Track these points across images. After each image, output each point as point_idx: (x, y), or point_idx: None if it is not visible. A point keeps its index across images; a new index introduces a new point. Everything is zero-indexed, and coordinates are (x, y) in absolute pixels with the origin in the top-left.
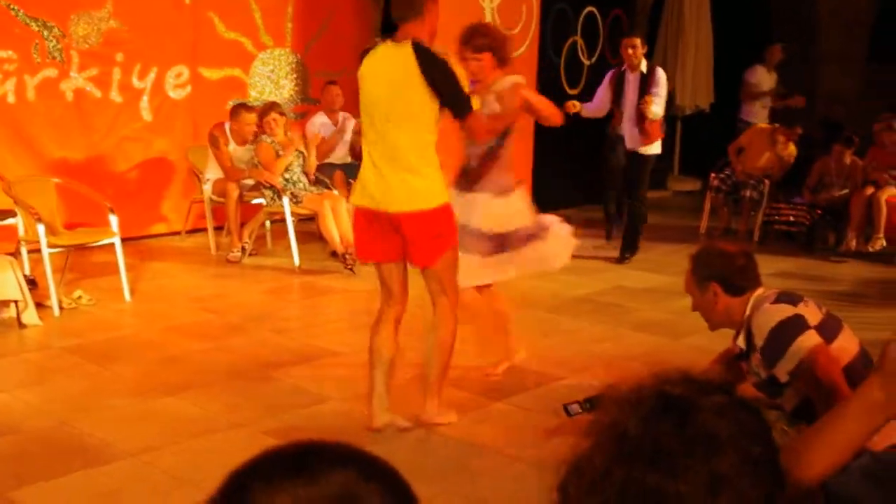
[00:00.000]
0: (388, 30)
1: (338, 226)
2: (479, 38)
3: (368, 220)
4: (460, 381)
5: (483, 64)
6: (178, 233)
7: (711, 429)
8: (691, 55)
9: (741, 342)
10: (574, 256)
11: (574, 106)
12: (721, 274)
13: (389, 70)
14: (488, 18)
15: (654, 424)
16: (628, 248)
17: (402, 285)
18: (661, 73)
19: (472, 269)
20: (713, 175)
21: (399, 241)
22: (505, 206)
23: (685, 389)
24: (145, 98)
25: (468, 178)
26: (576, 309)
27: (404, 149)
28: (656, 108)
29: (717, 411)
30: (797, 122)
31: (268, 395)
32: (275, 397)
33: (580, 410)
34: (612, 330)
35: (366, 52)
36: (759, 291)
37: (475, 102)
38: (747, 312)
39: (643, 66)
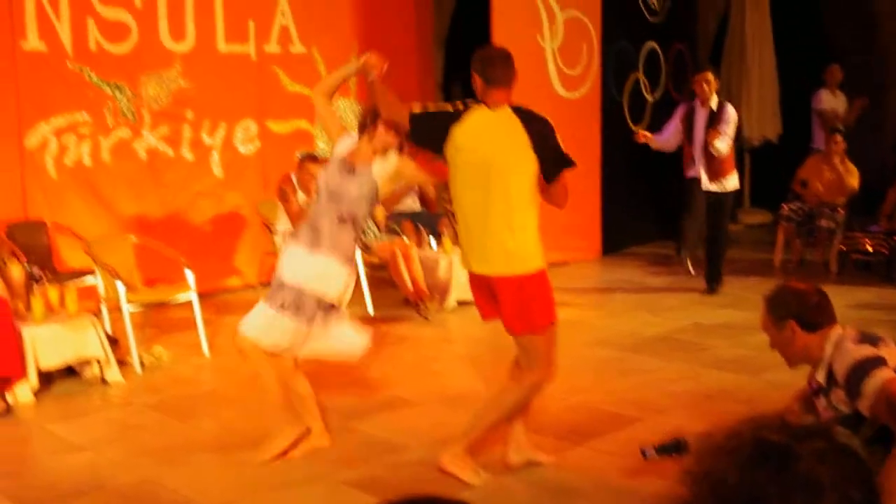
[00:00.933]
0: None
1: (409, 272)
2: None
3: (475, 284)
4: (540, 427)
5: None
6: (252, 286)
7: (812, 475)
8: (756, 86)
9: (821, 378)
10: (648, 292)
11: (644, 136)
12: (798, 312)
13: (494, 134)
14: (549, 59)
15: (753, 472)
16: (714, 279)
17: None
18: (730, 110)
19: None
20: (784, 206)
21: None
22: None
23: (783, 436)
24: (215, 154)
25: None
26: (652, 348)
27: (506, 211)
28: (720, 143)
29: (817, 457)
30: (867, 149)
31: (346, 445)
32: (353, 448)
33: (656, 455)
34: (689, 368)
35: (454, 115)
36: (838, 329)
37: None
38: (827, 349)
39: (713, 102)
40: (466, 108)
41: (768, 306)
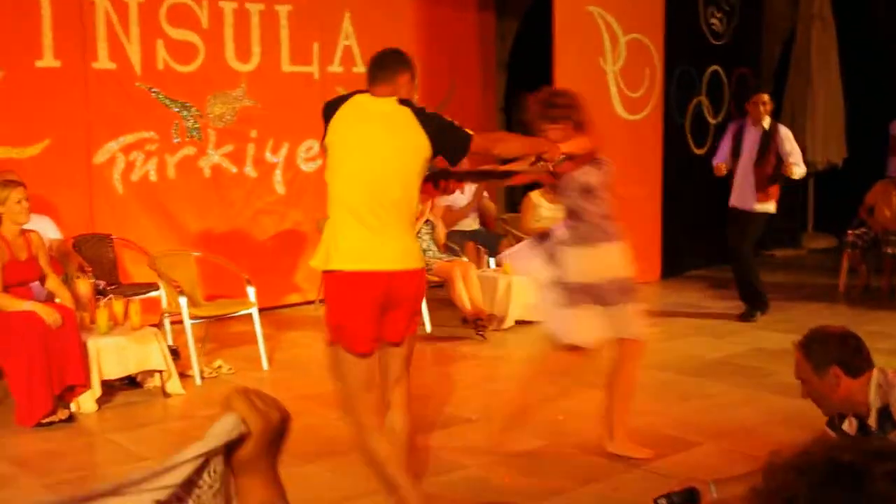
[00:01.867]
0: (514, 105)
1: (468, 292)
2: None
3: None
4: (599, 448)
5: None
6: (311, 302)
7: (886, 495)
8: (821, 110)
9: (872, 422)
10: (709, 317)
11: (720, 169)
12: (840, 357)
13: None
14: (611, 82)
15: (825, 491)
16: (751, 306)
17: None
18: (785, 130)
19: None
20: (850, 231)
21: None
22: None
23: (856, 455)
24: (278, 172)
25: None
26: (714, 372)
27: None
28: (798, 168)
29: (892, 478)
30: None
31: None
32: (411, 462)
33: None
34: (752, 393)
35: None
36: (877, 371)
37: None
38: (871, 393)
39: (766, 123)
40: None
41: (805, 353)
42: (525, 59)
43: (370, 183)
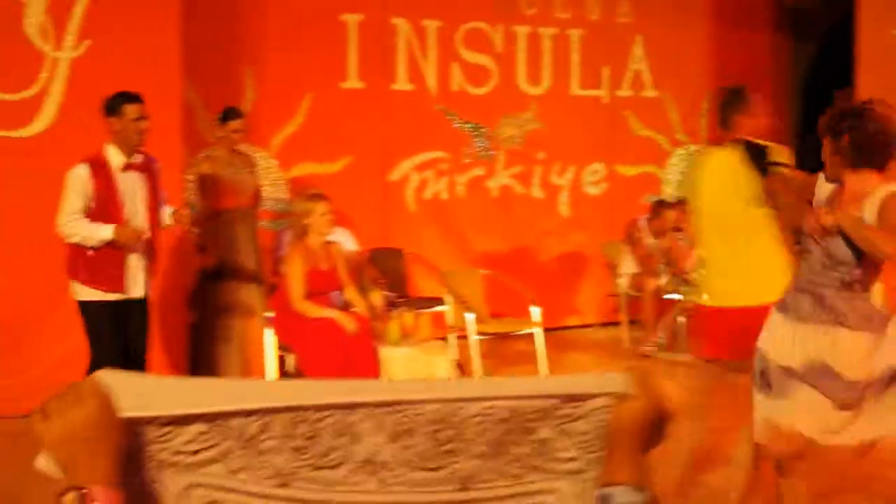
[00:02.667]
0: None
1: None
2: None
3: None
4: None
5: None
6: (590, 325)
7: None
8: None
9: None
10: None
11: None
12: None
13: None
14: None
15: None
16: None
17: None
18: None
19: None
20: None
21: None
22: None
23: None
24: (564, 194)
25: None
26: None
27: None
28: None
29: None
30: None
31: (695, 499)
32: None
33: None
34: None
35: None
36: None
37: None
38: None
39: None
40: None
41: None
42: (822, 85)
43: None
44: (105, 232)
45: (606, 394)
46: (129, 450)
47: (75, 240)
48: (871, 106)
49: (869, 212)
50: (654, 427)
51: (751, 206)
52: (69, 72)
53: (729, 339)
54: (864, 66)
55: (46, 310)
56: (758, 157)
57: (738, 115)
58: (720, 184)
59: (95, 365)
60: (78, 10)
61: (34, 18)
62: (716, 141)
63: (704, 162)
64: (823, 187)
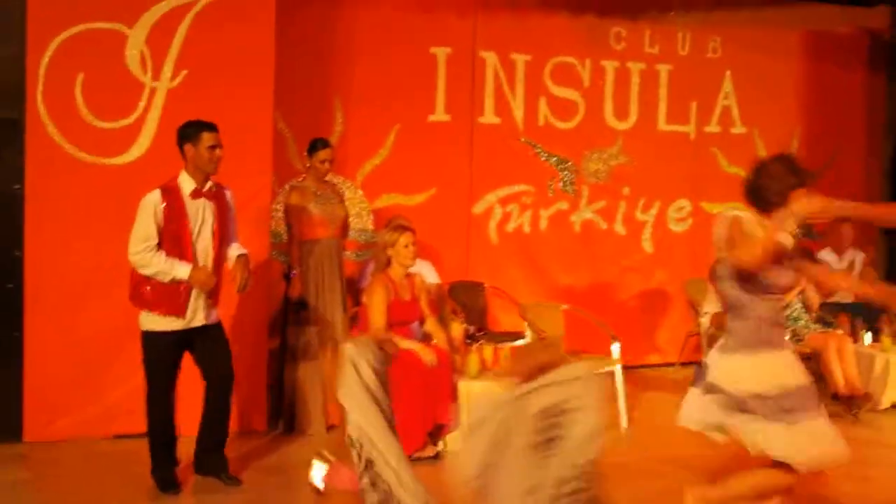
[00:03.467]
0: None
1: (842, 367)
2: None
3: None
4: None
5: None
6: (671, 364)
7: None
8: None
9: None
10: None
11: None
12: None
13: None
14: None
15: None
16: None
17: None
18: None
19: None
20: None
21: None
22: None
23: None
24: (648, 230)
25: None
26: None
27: None
28: None
29: None
30: None
31: None
32: None
33: None
34: None
35: None
36: None
37: None
38: None
39: None
40: None
41: None
42: None
43: None
44: (181, 272)
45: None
46: None
47: (148, 272)
48: None
49: None
50: None
51: None
52: (165, 101)
53: None
54: None
55: (129, 335)
56: None
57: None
58: None
59: (151, 393)
60: (176, 42)
61: (135, 49)
62: None
63: None
64: None
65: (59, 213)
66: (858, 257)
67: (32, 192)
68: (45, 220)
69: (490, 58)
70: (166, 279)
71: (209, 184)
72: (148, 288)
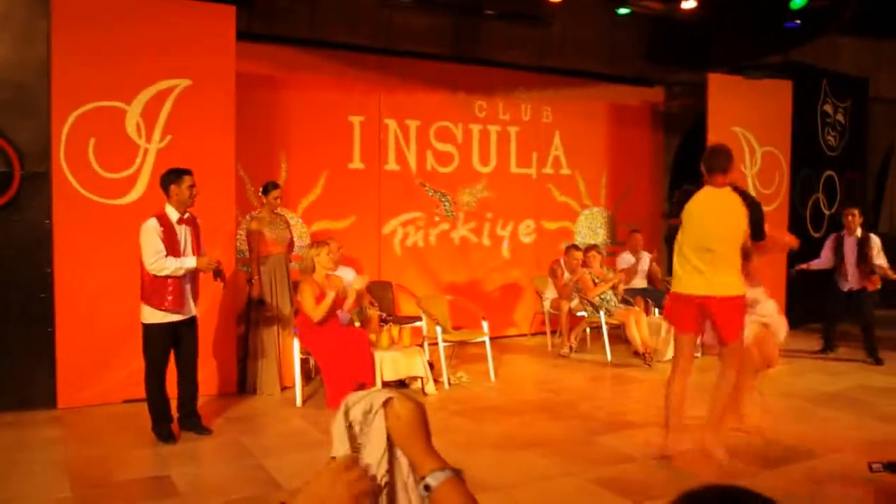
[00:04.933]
0: (676, 198)
1: (639, 332)
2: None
3: (686, 304)
4: (736, 452)
5: None
6: (524, 335)
7: None
8: None
9: None
10: (825, 359)
11: (799, 269)
12: None
13: (720, 206)
14: (750, 182)
15: None
16: (873, 355)
17: (693, 352)
18: (873, 238)
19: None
20: None
21: (703, 321)
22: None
23: None
24: (505, 242)
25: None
26: (828, 401)
27: (728, 258)
28: (890, 271)
29: None
30: None
31: (590, 453)
32: (596, 455)
33: (882, 470)
34: (858, 420)
35: (685, 193)
36: None
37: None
38: None
39: (858, 232)
40: (693, 188)
41: None
42: (684, 166)
43: (709, 244)
44: (189, 262)
45: (381, 402)
46: None
47: (166, 272)
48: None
49: None
50: (425, 420)
51: (738, 234)
52: (156, 157)
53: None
54: None
55: (132, 328)
56: (750, 203)
57: (730, 166)
58: (722, 214)
59: (150, 371)
60: (163, 114)
61: (132, 120)
62: (713, 184)
63: (707, 197)
64: None
65: (78, 240)
66: (647, 256)
67: (58, 225)
68: (69, 246)
69: (391, 123)
70: (181, 273)
71: (187, 214)
72: (155, 289)
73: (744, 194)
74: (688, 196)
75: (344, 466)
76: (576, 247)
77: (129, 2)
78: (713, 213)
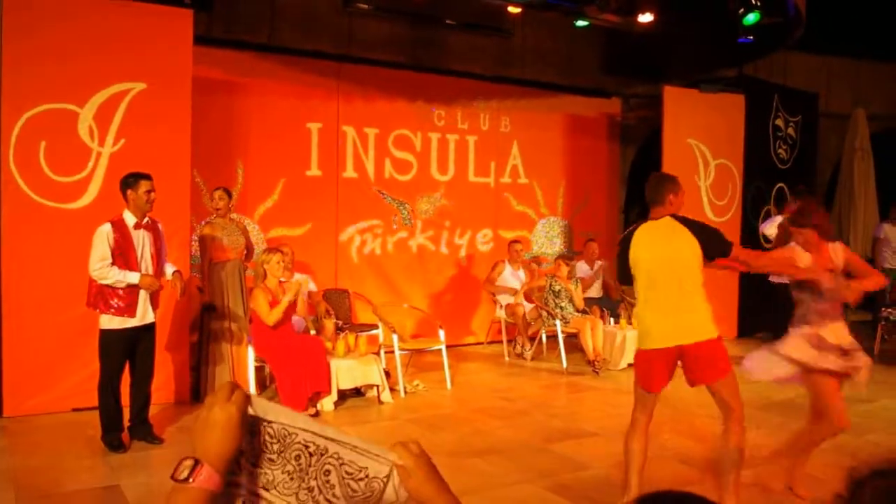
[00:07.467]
0: (631, 210)
1: (593, 341)
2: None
3: (658, 360)
4: (688, 458)
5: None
6: (481, 343)
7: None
8: (861, 218)
9: None
10: None
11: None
12: None
13: (661, 239)
14: (703, 194)
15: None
16: None
17: (654, 409)
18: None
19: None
20: (883, 309)
21: (674, 370)
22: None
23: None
24: (463, 250)
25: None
26: (778, 408)
27: (689, 294)
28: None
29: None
30: None
31: (544, 461)
32: (549, 463)
33: None
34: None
35: (623, 241)
36: None
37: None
38: None
39: None
40: (633, 228)
41: None
42: (640, 177)
43: (662, 282)
44: (133, 278)
45: (387, 465)
46: (243, 448)
47: (107, 281)
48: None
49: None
50: (434, 467)
51: (691, 263)
52: (109, 162)
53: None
54: (667, 163)
55: (83, 334)
56: (698, 229)
57: (671, 196)
58: (664, 247)
59: (104, 378)
60: (117, 118)
61: (85, 123)
62: (653, 216)
63: (646, 233)
64: None
65: (27, 245)
66: (599, 265)
67: (6, 229)
68: (17, 251)
69: (350, 131)
70: (121, 286)
71: (146, 219)
72: (106, 296)
73: (685, 220)
74: (627, 243)
75: (225, 396)
76: (517, 241)
77: (82, 3)
78: (656, 248)
